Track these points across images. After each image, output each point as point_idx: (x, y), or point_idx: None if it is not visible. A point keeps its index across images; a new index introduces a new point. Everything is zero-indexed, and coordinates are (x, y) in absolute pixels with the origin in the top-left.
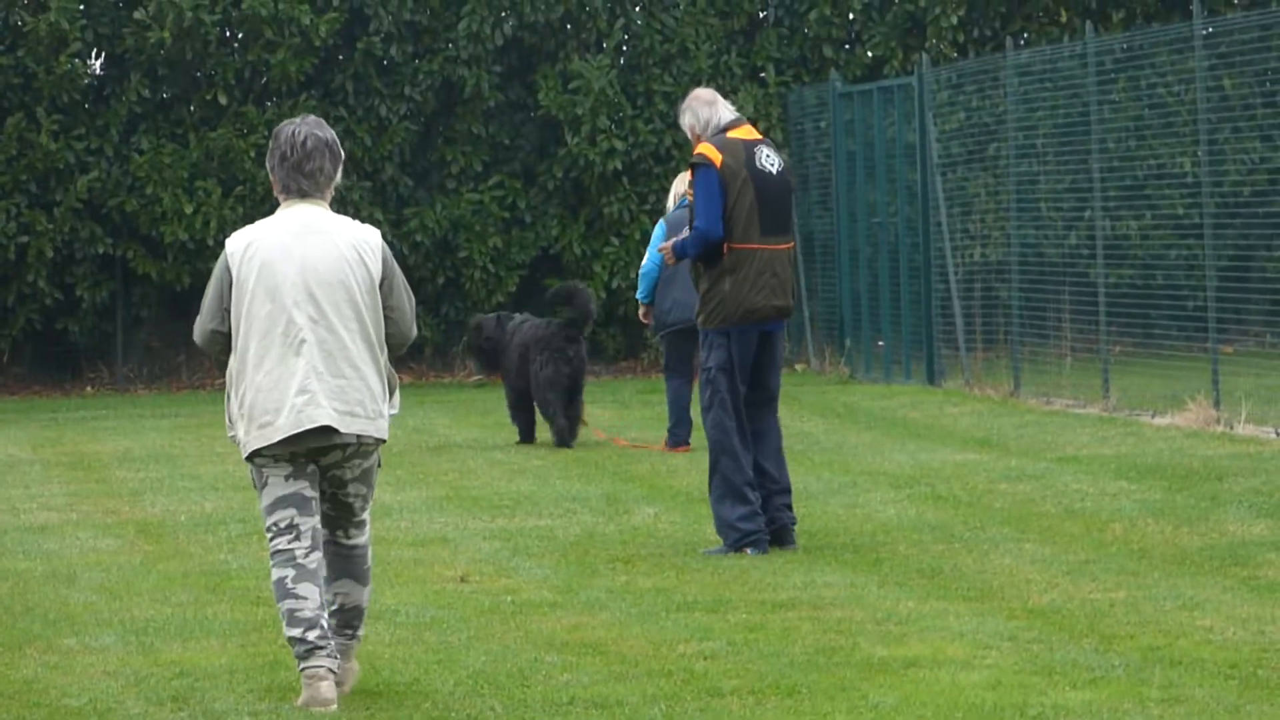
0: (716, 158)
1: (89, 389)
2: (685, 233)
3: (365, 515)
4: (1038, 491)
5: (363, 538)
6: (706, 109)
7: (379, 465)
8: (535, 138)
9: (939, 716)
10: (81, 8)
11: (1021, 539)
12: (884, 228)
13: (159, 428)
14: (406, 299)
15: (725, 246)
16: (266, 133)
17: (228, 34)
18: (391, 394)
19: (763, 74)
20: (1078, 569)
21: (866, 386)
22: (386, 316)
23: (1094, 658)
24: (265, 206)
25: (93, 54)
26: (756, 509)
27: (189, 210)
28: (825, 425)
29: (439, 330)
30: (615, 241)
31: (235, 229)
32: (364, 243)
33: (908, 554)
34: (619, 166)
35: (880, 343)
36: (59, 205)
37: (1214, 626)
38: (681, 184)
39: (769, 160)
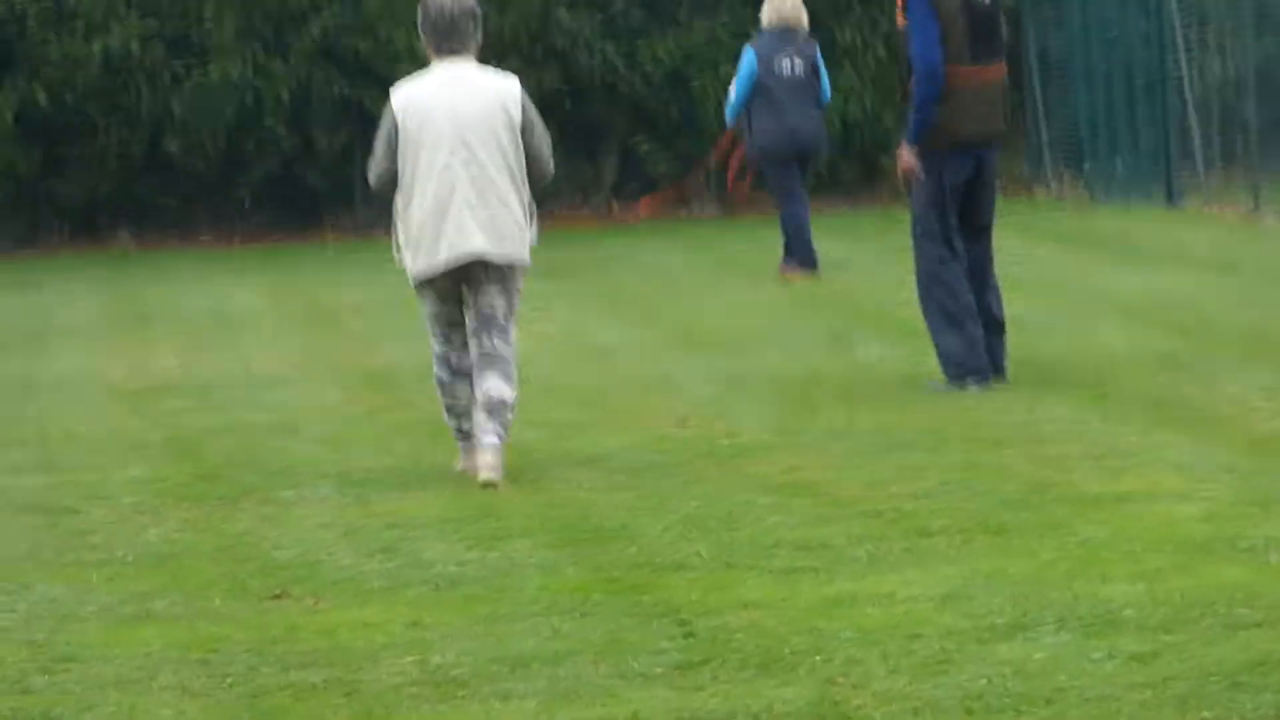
0: None
1: (328, 235)
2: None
3: (509, 325)
4: (1272, 317)
5: (506, 344)
6: None
7: (520, 286)
8: None
9: (1149, 550)
10: None
11: (1251, 367)
12: (1119, 43)
13: (399, 275)
14: (544, 140)
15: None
16: None
17: None
18: (531, 223)
19: None
20: None
21: (1104, 209)
22: (527, 155)
23: None
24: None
25: None
26: (977, 340)
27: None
28: (1058, 251)
29: (674, 164)
30: (849, 68)
31: None
32: (506, 91)
33: (1133, 385)
34: None
35: (1119, 162)
36: (293, 49)
37: None
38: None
39: None
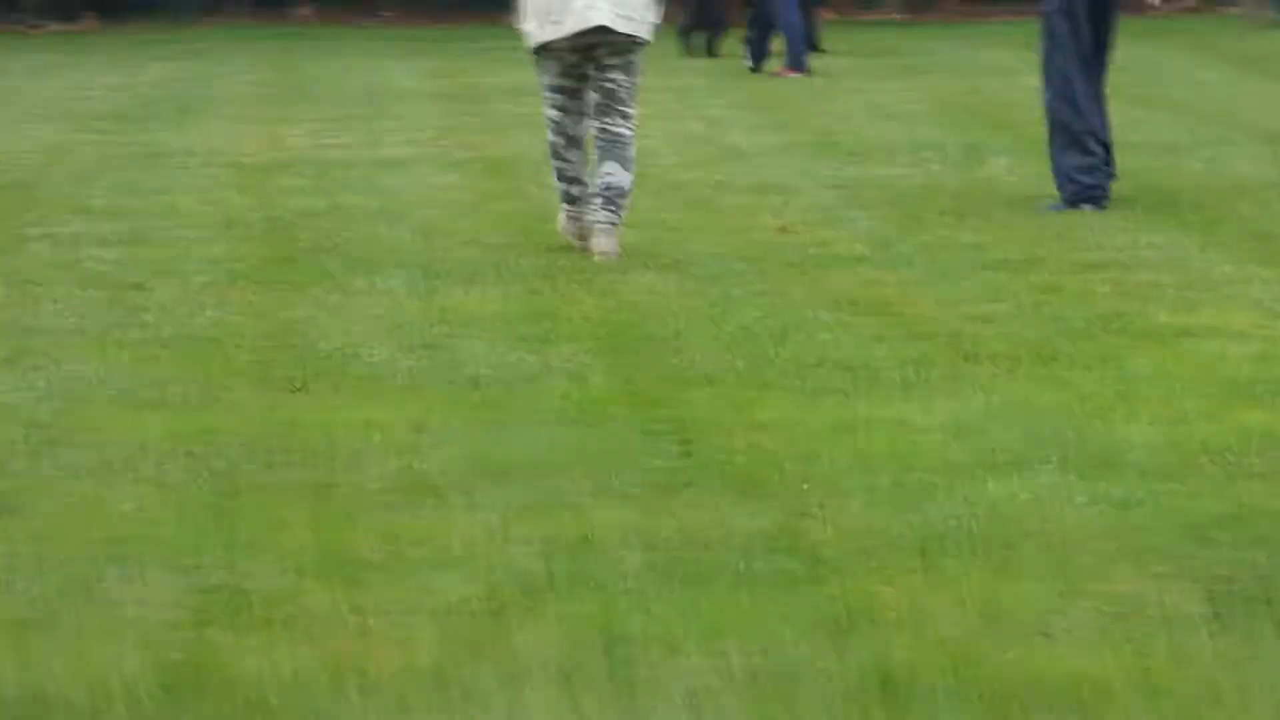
0: None
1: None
2: None
3: (630, 108)
4: None
5: (627, 127)
6: None
7: (640, 64)
8: None
9: (1188, 389)
10: None
11: None
12: None
13: None
14: None
15: None
16: None
17: None
18: (659, 4)
19: None
20: None
21: None
22: None
23: None
24: None
25: None
26: (1098, 163)
27: None
28: (1226, 74)
29: None
30: None
31: None
32: None
33: (1250, 215)
34: None
35: None
36: None
37: None
38: None
39: None
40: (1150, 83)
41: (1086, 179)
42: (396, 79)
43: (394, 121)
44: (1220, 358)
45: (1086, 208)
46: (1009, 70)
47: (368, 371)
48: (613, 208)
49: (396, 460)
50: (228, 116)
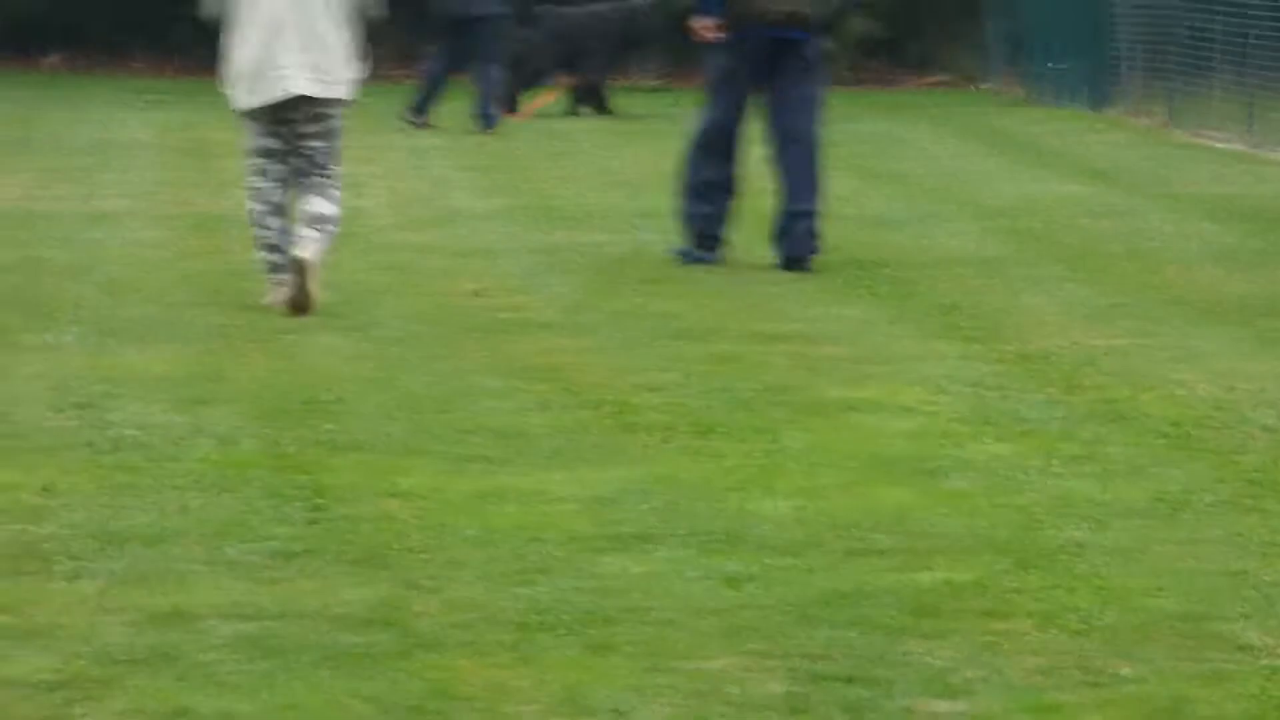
0: None
1: None
2: None
3: (332, 169)
4: (1116, 229)
5: (329, 179)
6: None
7: (340, 125)
8: None
9: (833, 462)
10: None
11: (1068, 279)
12: None
13: None
14: None
15: None
16: None
17: None
18: (358, 62)
19: None
20: (1101, 314)
21: (1031, 109)
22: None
23: (1040, 409)
24: None
25: None
26: (714, 214)
27: None
28: (956, 149)
29: None
30: None
31: None
32: None
33: (943, 290)
34: None
35: (1051, 65)
36: None
37: (1188, 381)
38: None
39: None
40: (883, 156)
41: (705, 227)
42: (130, 131)
43: (114, 174)
44: (876, 433)
45: (702, 256)
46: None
47: (10, 431)
48: (316, 227)
49: (11, 525)
50: None
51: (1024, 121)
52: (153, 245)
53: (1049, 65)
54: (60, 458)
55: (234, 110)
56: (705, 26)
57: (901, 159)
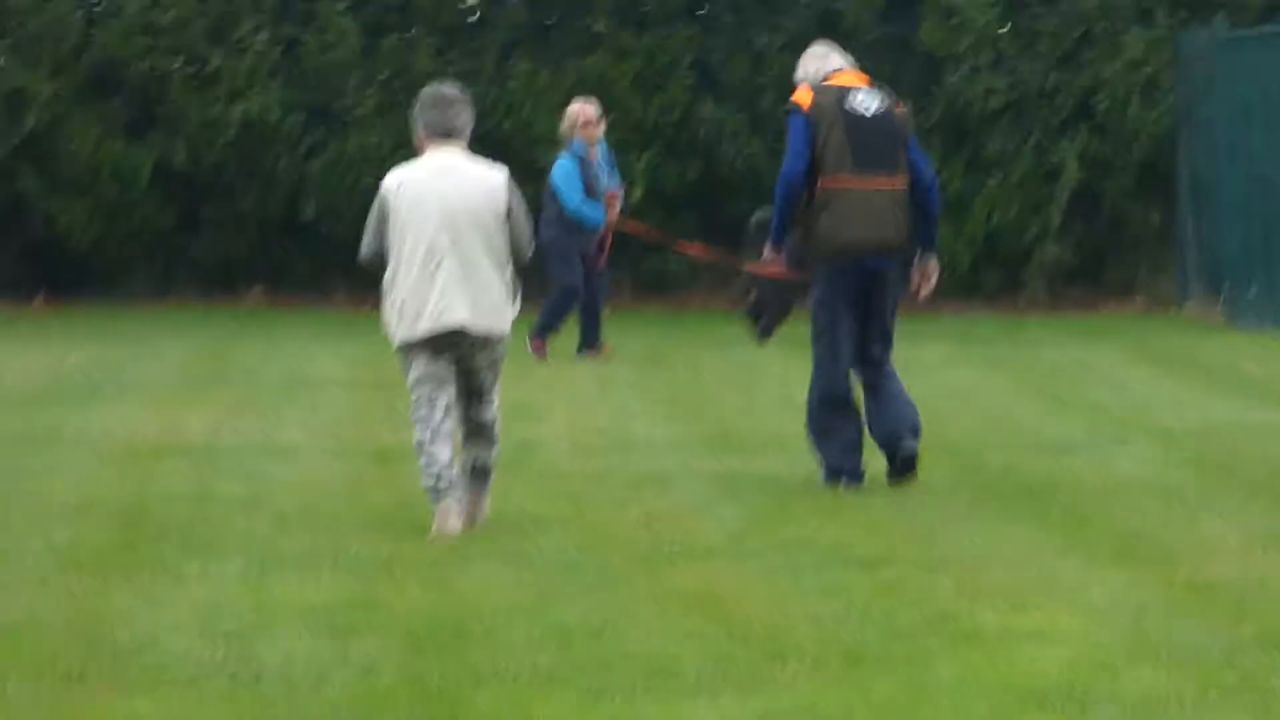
0: (806, 100)
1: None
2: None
3: (493, 395)
4: None
5: (490, 413)
6: (816, 62)
7: (504, 355)
8: (915, 73)
9: (985, 695)
10: None
11: (1250, 506)
12: (1267, 179)
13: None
14: (525, 225)
15: (818, 184)
16: (640, 61)
17: None
18: (514, 299)
19: (1153, 12)
20: None
21: (1230, 335)
22: (511, 239)
23: (1202, 637)
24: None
25: None
26: (851, 444)
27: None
28: (1149, 374)
29: None
30: (996, 177)
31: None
32: (493, 179)
33: (1118, 515)
34: (999, 106)
35: (1253, 292)
36: None
37: None
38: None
39: (864, 103)
40: (1073, 382)
41: (842, 461)
42: (321, 365)
43: (300, 409)
44: (1031, 662)
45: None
46: (950, 362)
47: (155, 661)
48: (483, 478)
49: None
50: (135, 400)
51: (1222, 348)
52: (329, 477)
53: (1251, 292)
54: (200, 687)
55: (395, 347)
56: (775, 261)
57: (1091, 385)
